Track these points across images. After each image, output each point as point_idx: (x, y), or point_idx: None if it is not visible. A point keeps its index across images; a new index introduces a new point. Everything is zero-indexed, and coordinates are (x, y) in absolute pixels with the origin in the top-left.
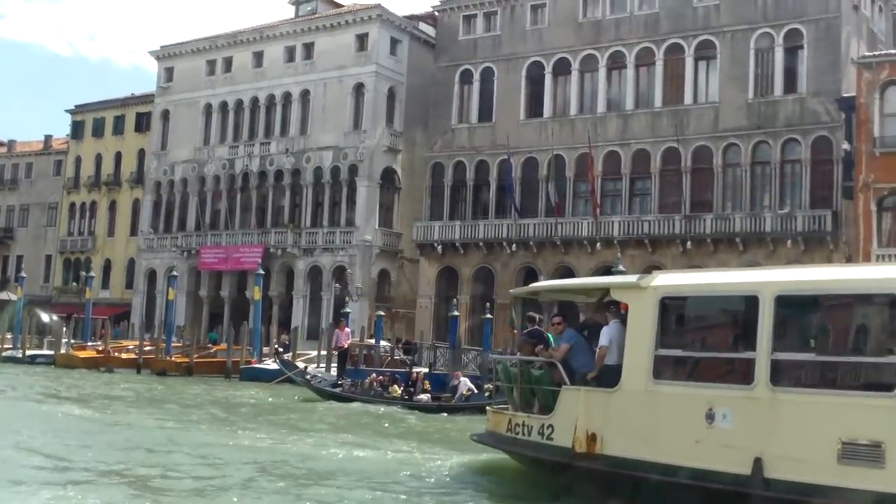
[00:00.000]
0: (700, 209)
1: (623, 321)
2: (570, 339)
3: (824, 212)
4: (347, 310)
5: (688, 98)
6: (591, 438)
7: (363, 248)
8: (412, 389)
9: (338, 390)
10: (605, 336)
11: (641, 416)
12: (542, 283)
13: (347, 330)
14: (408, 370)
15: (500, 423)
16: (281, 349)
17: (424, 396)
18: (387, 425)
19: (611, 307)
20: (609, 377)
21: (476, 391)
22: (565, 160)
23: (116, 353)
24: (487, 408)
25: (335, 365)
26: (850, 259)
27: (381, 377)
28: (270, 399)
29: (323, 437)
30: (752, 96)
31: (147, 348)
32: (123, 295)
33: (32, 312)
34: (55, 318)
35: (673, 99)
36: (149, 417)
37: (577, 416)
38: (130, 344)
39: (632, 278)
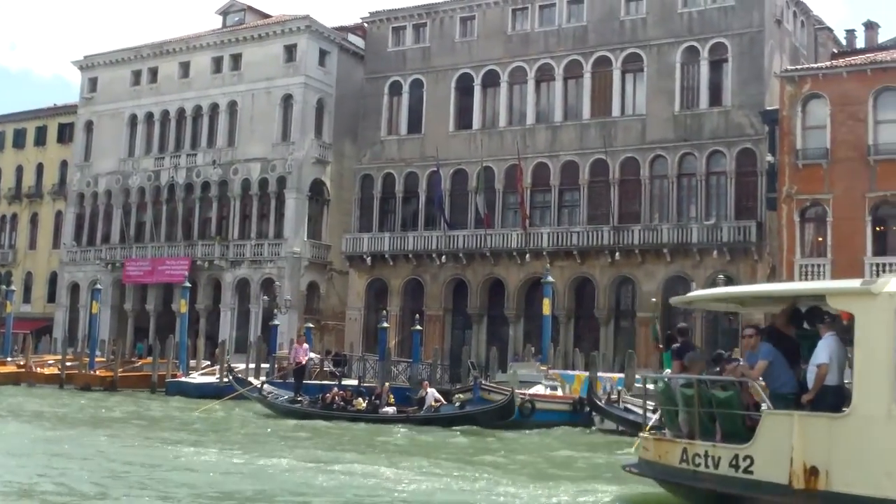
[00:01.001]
0: (628, 220)
1: (842, 333)
2: (768, 354)
3: (749, 223)
4: (276, 322)
5: (615, 110)
6: (812, 472)
7: (292, 261)
8: (377, 402)
9: (297, 406)
10: (824, 352)
11: (882, 445)
12: (712, 291)
13: (306, 346)
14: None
15: (668, 453)
16: (226, 365)
17: (390, 409)
18: (428, 444)
19: (825, 318)
20: (828, 400)
21: (445, 402)
22: (494, 172)
23: (38, 369)
24: (642, 434)
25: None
26: (774, 270)
27: (342, 391)
28: (222, 414)
29: (380, 460)
30: (679, 109)
31: (70, 363)
32: (45, 309)
33: None
34: None
35: (601, 111)
36: (115, 436)
37: (792, 447)
38: (52, 359)
39: (856, 283)
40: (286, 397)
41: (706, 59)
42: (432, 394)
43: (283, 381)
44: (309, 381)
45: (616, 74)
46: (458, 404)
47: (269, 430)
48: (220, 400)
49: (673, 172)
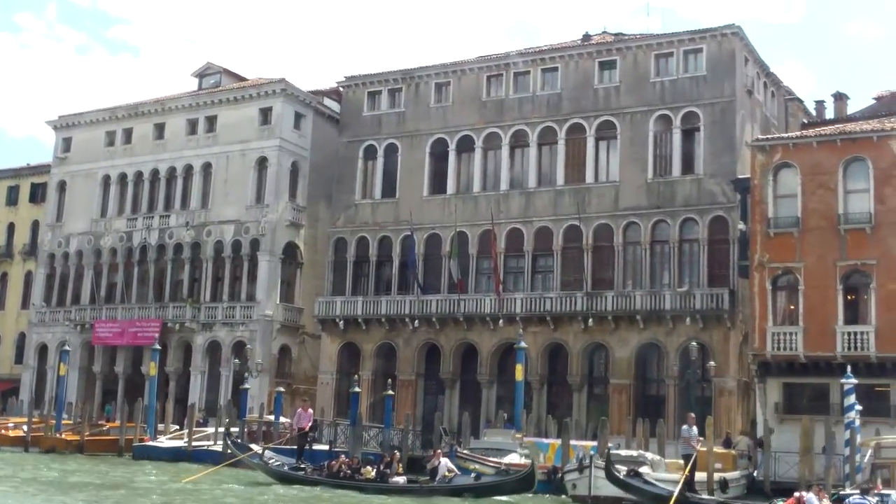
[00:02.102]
0: (601, 286)
1: None
2: None
3: (721, 290)
4: (247, 386)
5: (589, 177)
6: None
7: (264, 324)
8: (387, 471)
9: (300, 474)
10: None
11: None
12: None
13: (310, 411)
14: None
15: None
16: (201, 422)
17: (400, 479)
18: None
19: None
20: None
21: (458, 472)
22: (468, 236)
23: (3, 431)
24: None
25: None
26: (746, 337)
27: (349, 459)
28: (224, 485)
29: None
30: (652, 176)
31: (36, 425)
32: (12, 370)
33: None
34: None
35: (575, 178)
36: None
37: None
38: (17, 421)
39: None
40: (288, 464)
41: (679, 127)
42: (445, 464)
43: (283, 448)
44: (309, 448)
45: (590, 141)
46: (473, 475)
47: (271, 498)
48: (216, 466)
49: (646, 239)
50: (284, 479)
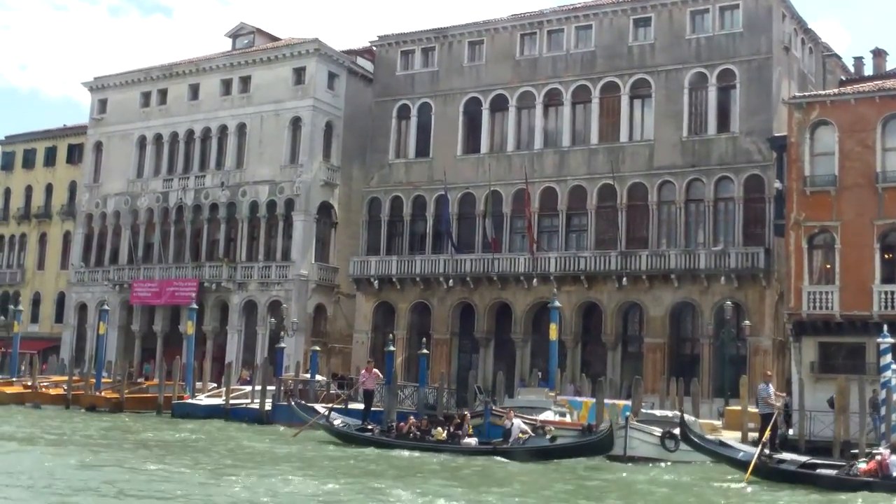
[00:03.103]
0: (636, 245)
1: None
2: None
3: (757, 249)
4: (283, 345)
5: (623, 135)
6: None
7: (299, 283)
8: (458, 432)
9: (367, 435)
10: None
11: None
12: None
13: (375, 371)
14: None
15: None
16: (248, 380)
17: (472, 440)
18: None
19: None
20: None
21: (531, 434)
22: (502, 196)
23: (44, 389)
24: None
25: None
26: (782, 296)
27: (418, 420)
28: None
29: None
30: (687, 134)
31: (76, 384)
32: (53, 329)
33: None
34: None
35: (609, 136)
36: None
37: None
38: (59, 379)
39: None
40: (355, 425)
41: (714, 84)
42: (518, 425)
43: (347, 410)
44: (374, 409)
45: (624, 100)
46: (549, 437)
47: (350, 461)
48: (293, 428)
49: (681, 198)
50: (351, 440)
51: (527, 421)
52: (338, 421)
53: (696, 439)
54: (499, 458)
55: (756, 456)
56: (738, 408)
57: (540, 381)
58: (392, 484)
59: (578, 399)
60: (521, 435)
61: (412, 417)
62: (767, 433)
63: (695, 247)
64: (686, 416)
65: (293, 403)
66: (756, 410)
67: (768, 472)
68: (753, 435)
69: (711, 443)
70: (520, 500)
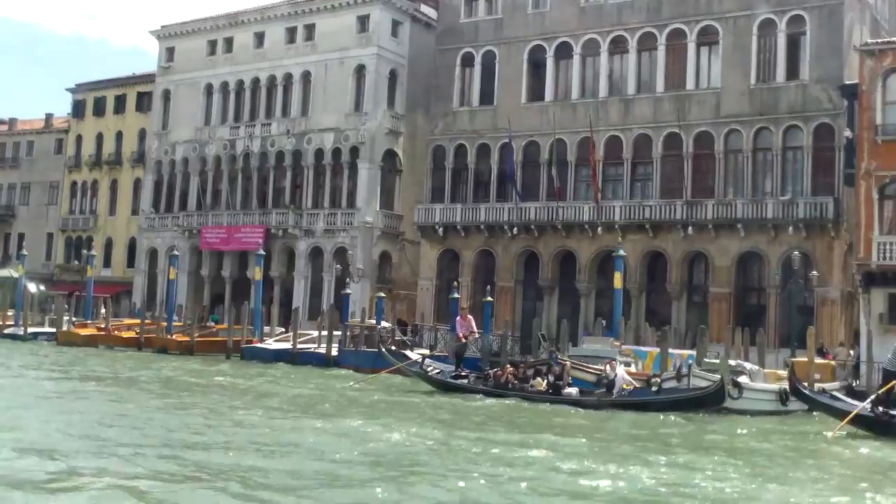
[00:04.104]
0: (701, 195)
1: None
2: None
3: (826, 199)
4: (348, 291)
5: (690, 83)
6: None
7: (364, 230)
8: (559, 382)
9: (462, 382)
10: None
11: None
12: None
13: (470, 318)
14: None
15: None
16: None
17: (573, 391)
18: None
19: None
20: None
21: (636, 385)
22: (567, 144)
23: (117, 332)
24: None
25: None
26: (851, 247)
27: (515, 368)
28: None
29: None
30: (755, 82)
31: (148, 327)
32: (125, 273)
33: (24, 289)
34: (41, 288)
35: (675, 84)
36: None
37: None
38: (131, 322)
39: None
40: (449, 373)
41: (783, 31)
42: (622, 375)
43: (443, 356)
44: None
45: (691, 47)
46: (654, 388)
47: (453, 409)
48: (376, 373)
49: (748, 147)
50: (446, 388)
51: (591, 371)
52: (431, 368)
53: (807, 392)
54: (602, 411)
55: (870, 408)
56: (805, 359)
57: (604, 329)
58: (510, 437)
59: (643, 349)
60: (625, 386)
61: (509, 366)
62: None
63: (762, 196)
64: (750, 366)
65: (383, 350)
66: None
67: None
68: (819, 386)
69: (824, 395)
70: (658, 454)
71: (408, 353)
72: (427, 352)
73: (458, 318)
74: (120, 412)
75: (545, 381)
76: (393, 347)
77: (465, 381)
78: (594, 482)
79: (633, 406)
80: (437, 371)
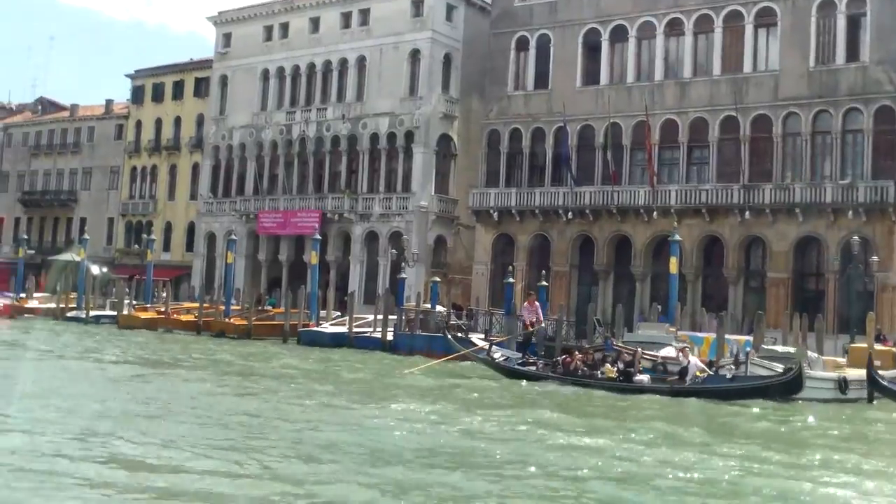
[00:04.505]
0: (759, 178)
1: None
2: None
3: (886, 182)
4: (404, 275)
5: (747, 66)
6: None
7: (419, 215)
8: (630, 370)
9: (530, 370)
10: None
11: None
12: None
13: (537, 304)
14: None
15: None
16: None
17: (644, 377)
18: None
19: None
20: None
21: (710, 372)
22: (622, 128)
23: (176, 315)
24: None
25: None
26: None
27: (583, 355)
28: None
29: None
30: (814, 64)
31: (206, 310)
32: (184, 257)
33: (87, 271)
34: (104, 270)
35: (732, 67)
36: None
37: None
38: (190, 306)
39: None
40: (515, 359)
41: (843, 12)
42: (695, 363)
43: (506, 343)
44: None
45: (748, 29)
46: (729, 376)
47: (529, 396)
48: (438, 360)
49: (807, 130)
50: (514, 375)
51: (648, 357)
52: (498, 354)
53: (884, 382)
54: (675, 398)
55: None
56: (864, 345)
57: (659, 315)
58: (594, 425)
59: (700, 335)
60: (698, 373)
61: (577, 352)
62: None
63: (821, 180)
64: (809, 353)
65: (448, 335)
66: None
67: None
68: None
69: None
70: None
71: (473, 338)
72: (494, 338)
73: (526, 303)
74: (189, 395)
75: (616, 368)
76: (459, 334)
77: (533, 368)
78: (691, 473)
79: (709, 394)
80: (504, 358)
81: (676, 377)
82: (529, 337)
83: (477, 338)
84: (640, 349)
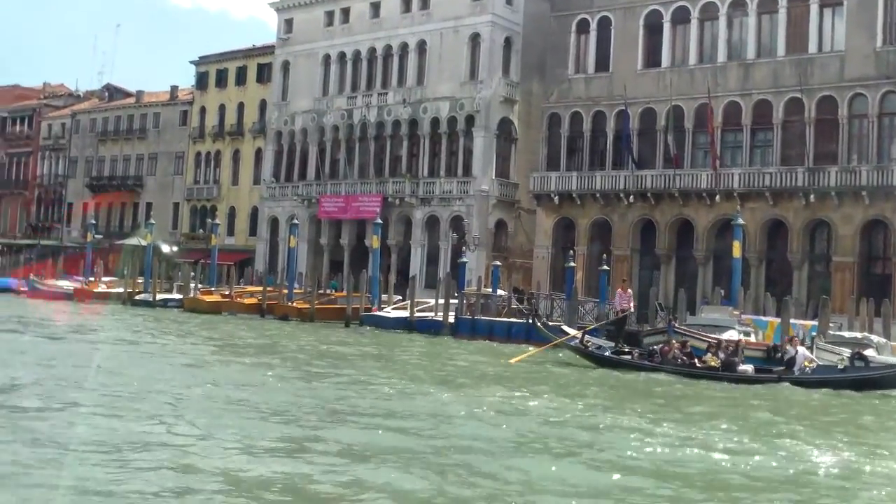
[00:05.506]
0: (824, 161)
1: None
2: None
3: None
4: (465, 259)
5: (812, 46)
6: None
7: (480, 199)
8: (734, 359)
9: (625, 359)
10: None
11: None
12: None
13: (629, 292)
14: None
15: None
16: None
17: (748, 367)
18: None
19: None
20: None
21: (818, 362)
22: (684, 111)
23: (240, 299)
24: None
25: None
26: None
27: (680, 343)
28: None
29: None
30: (881, 44)
31: (269, 294)
32: (248, 242)
33: (157, 249)
34: (174, 248)
35: (796, 47)
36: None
37: None
38: (253, 289)
39: None
40: (608, 348)
41: None
42: (804, 353)
43: (597, 330)
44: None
45: (813, 8)
46: (841, 367)
47: (634, 386)
48: (537, 349)
49: (873, 112)
50: (608, 364)
51: (709, 340)
52: (591, 343)
53: None
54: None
55: None
56: None
57: (722, 299)
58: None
59: (764, 319)
60: (807, 364)
61: (675, 341)
62: None
63: (888, 162)
64: (875, 338)
65: (538, 323)
66: None
67: None
68: None
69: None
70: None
71: (564, 327)
72: (586, 326)
73: (619, 290)
74: (262, 380)
75: (718, 357)
76: (549, 322)
77: (629, 356)
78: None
79: (819, 384)
80: (597, 346)
81: (783, 367)
82: (622, 324)
83: (565, 326)
84: (743, 338)
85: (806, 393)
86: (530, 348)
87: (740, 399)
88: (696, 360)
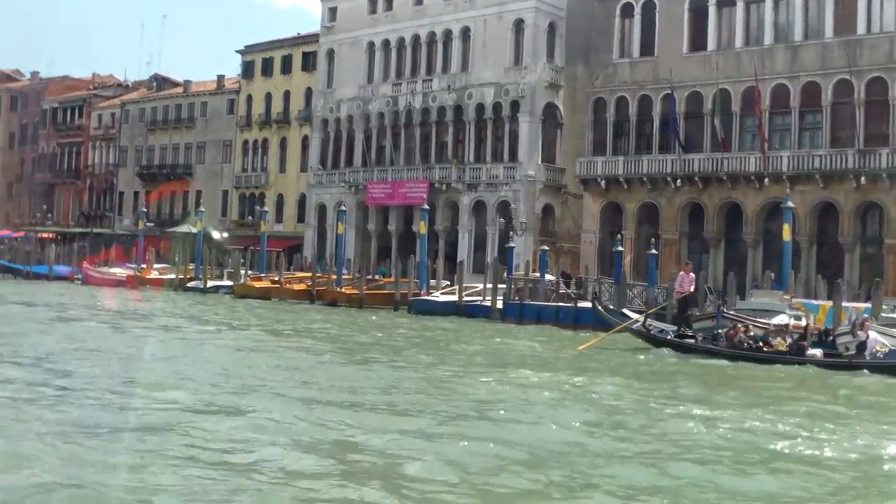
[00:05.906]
0: (874, 143)
1: None
2: None
3: None
4: (512, 244)
5: (861, 27)
6: None
7: (526, 184)
8: (802, 342)
9: (689, 343)
10: None
11: None
12: None
13: (692, 276)
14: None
15: None
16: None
17: (817, 352)
18: None
19: None
20: None
21: (890, 347)
22: (731, 94)
23: (289, 285)
24: None
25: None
26: None
27: (744, 327)
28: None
29: None
30: None
31: (318, 280)
32: (296, 228)
33: (207, 236)
34: (224, 234)
35: (845, 28)
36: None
37: None
38: (302, 275)
39: None
40: (672, 331)
41: None
42: (875, 337)
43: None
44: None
45: None
46: None
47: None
48: (603, 335)
49: None
50: (672, 348)
51: (759, 324)
52: (653, 328)
53: None
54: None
55: None
56: None
57: (773, 283)
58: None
59: (815, 302)
60: (878, 349)
61: (740, 325)
62: None
63: None
64: None
65: (599, 307)
66: None
67: None
68: None
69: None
70: None
71: (626, 311)
72: (649, 310)
73: (682, 273)
74: (323, 364)
75: (786, 340)
76: (611, 306)
77: (693, 341)
78: None
79: (890, 369)
80: (659, 330)
81: (854, 352)
82: (685, 307)
83: (628, 311)
84: (808, 322)
85: (881, 379)
86: (600, 334)
87: (834, 385)
88: (760, 344)
